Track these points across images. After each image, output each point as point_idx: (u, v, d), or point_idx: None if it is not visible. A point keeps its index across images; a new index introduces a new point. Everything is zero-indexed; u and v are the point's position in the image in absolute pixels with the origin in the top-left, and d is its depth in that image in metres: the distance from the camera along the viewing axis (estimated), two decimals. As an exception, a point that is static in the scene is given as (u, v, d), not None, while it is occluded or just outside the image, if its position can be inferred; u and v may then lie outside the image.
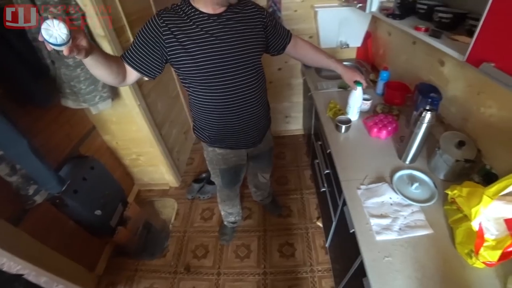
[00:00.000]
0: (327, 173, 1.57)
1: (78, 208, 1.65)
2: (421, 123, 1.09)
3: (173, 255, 1.98)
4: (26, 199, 1.37)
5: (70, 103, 1.63)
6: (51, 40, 0.65)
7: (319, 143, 1.76)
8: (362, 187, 1.14)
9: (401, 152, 1.24)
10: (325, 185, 1.65)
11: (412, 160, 1.23)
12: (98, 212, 1.77)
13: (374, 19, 2.03)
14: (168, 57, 1.05)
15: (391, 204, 1.07)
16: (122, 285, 1.85)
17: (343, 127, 1.43)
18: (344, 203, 1.17)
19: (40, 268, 1.44)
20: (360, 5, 1.57)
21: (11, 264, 1.29)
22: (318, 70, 2.24)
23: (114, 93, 1.75)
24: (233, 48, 1.06)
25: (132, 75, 1.07)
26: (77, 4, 1.45)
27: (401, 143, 1.28)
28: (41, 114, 1.59)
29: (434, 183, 1.11)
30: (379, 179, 1.17)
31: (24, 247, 1.37)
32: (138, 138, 2.09)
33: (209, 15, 1.02)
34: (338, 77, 2.17)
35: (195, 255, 1.96)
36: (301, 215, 2.12)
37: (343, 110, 1.60)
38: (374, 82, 1.83)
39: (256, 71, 1.17)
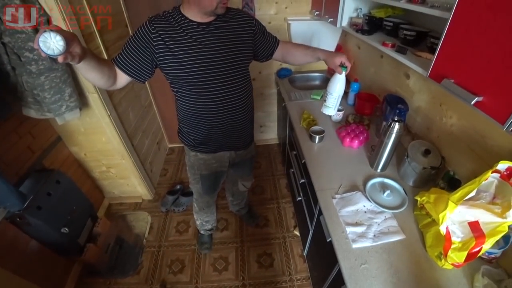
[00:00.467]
0: (302, 182, 1.59)
1: (42, 226, 1.53)
2: (390, 134, 1.15)
3: (147, 272, 1.89)
4: (-18, 219, 1.26)
5: (32, 113, 1.52)
6: (49, 52, 0.68)
7: (294, 152, 1.79)
8: (337, 196, 1.17)
9: (373, 161, 1.30)
10: (301, 194, 1.67)
11: (383, 168, 1.29)
12: (64, 230, 1.65)
13: (344, 33, 2.13)
14: (158, 63, 1.08)
15: (365, 212, 1.11)
16: (93, 307, 1.74)
17: (317, 137, 1.47)
18: (320, 212, 1.19)
19: None
20: (331, 19, 1.64)
21: None
22: (292, 80, 2.29)
23: (82, 102, 1.66)
24: (220, 56, 1.09)
25: (123, 78, 1.09)
26: (41, 7, 1.37)
27: (372, 152, 1.34)
28: (-1, 124, 1.47)
29: (404, 190, 1.17)
30: (353, 188, 1.21)
31: (-22, 272, 1.25)
32: (108, 149, 1.99)
33: (199, 24, 1.06)
34: (311, 87, 2.26)
35: (171, 270, 1.89)
36: (278, 224, 2.13)
37: (316, 120, 1.64)
38: (346, 93, 1.91)
39: (243, 78, 1.20)
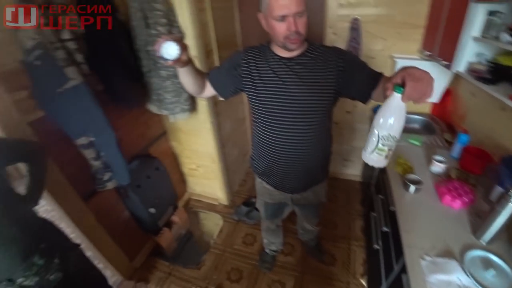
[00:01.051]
0: (385, 231, 1.45)
1: (136, 201, 1.80)
2: (507, 202, 0.96)
3: (207, 270, 1.99)
4: (99, 183, 1.54)
5: (154, 108, 1.83)
6: (165, 56, 0.83)
7: (380, 197, 1.66)
8: (427, 258, 1.03)
9: (477, 229, 1.10)
10: (380, 243, 1.53)
11: (490, 241, 1.08)
12: (152, 210, 1.90)
13: (456, 76, 1.91)
14: (242, 87, 1.16)
15: (459, 287, 0.94)
16: (153, 284, 1.92)
17: (413, 187, 1.33)
18: (403, 271, 1.06)
19: (91, 244, 1.60)
20: (446, 63, 1.50)
21: (71, 232, 1.46)
22: None
23: (193, 106, 1.92)
24: (295, 94, 1.06)
25: (210, 90, 1.20)
26: (179, 27, 1.67)
27: (478, 218, 1.15)
28: (126, 112, 1.80)
29: (514, 275, 0.96)
30: (447, 254, 1.05)
31: (85, 221, 1.55)
32: (202, 151, 2.23)
33: (281, 58, 1.08)
34: (410, 130, 2.08)
35: (229, 277, 1.94)
36: (345, 267, 1.97)
37: (413, 168, 1.50)
38: (450, 143, 1.70)
39: (315, 122, 1.12)
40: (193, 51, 1.75)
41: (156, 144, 2.15)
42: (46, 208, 1.35)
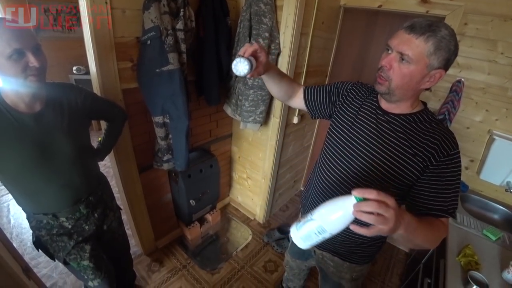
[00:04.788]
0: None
1: (182, 189, 1.88)
2: None
3: (219, 280, 1.96)
4: (158, 161, 1.65)
5: (229, 110, 1.91)
6: (237, 73, 0.80)
7: (428, 280, 1.42)
8: None
9: None
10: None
11: None
12: (192, 202, 1.96)
13: None
14: (332, 115, 1.08)
15: None
16: (166, 269, 1.96)
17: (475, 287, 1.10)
18: None
19: (129, 211, 1.72)
20: None
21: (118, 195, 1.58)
22: (465, 200, 1.86)
23: (265, 121, 1.94)
24: (361, 150, 0.91)
25: (299, 102, 1.16)
26: (279, 43, 1.71)
27: None
28: (204, 106, 1.90)
29: None
30: None
31: (132, 189, 1.68)
32: (258, 164, 2.24)
33: (378, 107, 0.93)
34: (488, 219, 1.76)
35: (238, 296, 1.88)
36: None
37: (480, 265, 1.25)
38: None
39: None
40: (284, 70, 1.77)
41: (218, 143, 2.23)
42: (107, 165, 1.50)
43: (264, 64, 0.86)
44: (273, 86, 1.06)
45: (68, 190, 1.08)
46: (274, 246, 2.26)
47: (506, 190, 1.77)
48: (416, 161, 0.82)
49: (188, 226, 2.11)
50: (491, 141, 1.78)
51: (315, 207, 0.90)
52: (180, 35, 1.39)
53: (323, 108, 1.11)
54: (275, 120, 1.95)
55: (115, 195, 1.42)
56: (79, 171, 1.10)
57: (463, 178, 1.97)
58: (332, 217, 0.63)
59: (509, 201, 1.86)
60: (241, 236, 2.36)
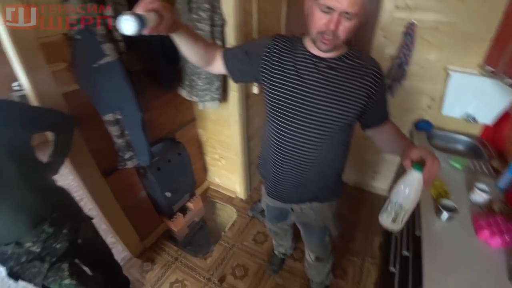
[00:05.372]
0: (405, 255, 1.33)
1: (154, 183, 1.82)
2: None
3: (213, 262, 1.98)
4: (121, 161, 1.57)
5: (184, 93, 1.82)
6: (122, 32, 0.66)
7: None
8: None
9: (515, 280, 0.95)
10: (397, 267, 1.40)
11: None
12: (168, 194, 1.91)
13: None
14: (258, 76, 1.03)
15: None
16: (159, 265, 1.95)
17: (446, 214, 1.19)
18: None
19: (105, 218, 1.65)
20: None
21: (86, 204, 1.51)
22: (431, 137, 1.97)
23: (223, 96, 1.88)
24: (314, 98, 0.93)
25: (219, 67, 1.07)
26: (222, 14, 1.62)
27: (520, 268, 0.99)
28: (159, 95, 1.81)
29: None
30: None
31: (102, 196, 1.59)
32: (227, 142, 2.20)
33: (313, 56, 0.94)
34: (453, 151, 1.88)
35: (233, 273, 1.91)
36: (355, 284, 1.85)
37: (449, 194, 1.35)
38: (497, 172, 1.50)
39: (327, 136, 0.98)
40: (232, 40, 1.69)
41: (183, 129, 2.15)
42: (66, 178, 1.40)
43: (169, 22, 0.74)
44: (186, 50, 0.94)
45: (24, 213, 1.00)
46: (259, 218, 2.30)
47: (467, 121, 1.89)
48: (363, 92, 0.93)
49: (171, 219, 2.08)
50: (447, 77, 1.86)
51: (282, 176, 1.09)
52: (112, 22, 1.26)
53: (244, 70, 1.05)
54: (234, 93, 1.89)
55: (84, 205, 1.34)
56: (31, 190, 1.01)
57: (426, 117, 2.08)
58: (412, 196, 0.77)
59: (470, 131, 2.00)
60: (227, 216, 2.37)
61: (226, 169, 2.43)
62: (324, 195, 1.21)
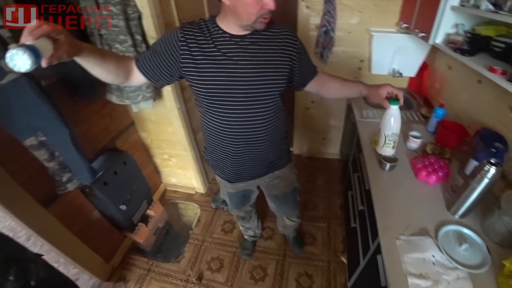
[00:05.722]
0: (361, 210, 1.45)
1: (105, 200, 1.69)
2: (482, 178, 0.95)
3: (187, 262, 1.94)
4: (59, 185, 1.42)
5: (114, 98, 1.68)
6: (15, 69, 0.56)
7: (357, 174, 1.64)
8: (402, 237, 1.02)
9: (451, 204, 1.10)
10: (357, 221, 1.53)
11: (463, 215, 1.08)
12: (123, 207, 1.79)
13: (433, 49, 1.89)
14: (182, 73, 0.98)
15: (434, 264, 0.94)
16: (133, 282, 1.85)
17: (388, 165, 1.31)
18: (378, 251, 1.05)
19: (60, 251, 1.49)
20: (423, 35, 1.45)
21: (36, 242, 1.35)
22: (365, 97, 2.13)
23: (156, 94, 1.78)
24: (249, 75, 0.95)
25: (139, 78, 1.00)
26: (135, 5, 1.50)
27: (452, 193, 1.14)
28: (86, 105, 1.65)
29: (487, 247, 0.96)
30: (422, 232, 1.04)
31: (49, 229, 1.43)
32: (173, 140, 2.11)
33: (231, 36, 0.94)
34: None
35: (210, 267, 1.91)
36: (325, 246, 1.99)
37: None
38: (426, 118, 1.69)
39: (272, 106, 1.04)
40: (152, 33, 1.59)
41: (123, 136, 2.01)
42: (3, 220, 1.23)
43: (67, 45, 0.64)
44: (98, 71, 0.84)
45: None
46: (223, 208, 2.30)
47: (394, 76, 2.06)
48: (285, 56, 1.01)
49: (134, 231, 1.97)
50: (370, 38, 2.00)
51: (240, 158, 1.14)
52: (4, 33, 1.09)
53: (165, 72, 0.98)
54: (167, 89, 1.80)
55: (33, 243, 1.20)
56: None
57: (360, 78, 2.22)
58: (398, 123, 1.08)
59: (398, 84, 2.19)
60: (191, 213, 2.33)
61: (179, 167, 2.35)
62: (281, 160, 1.29)
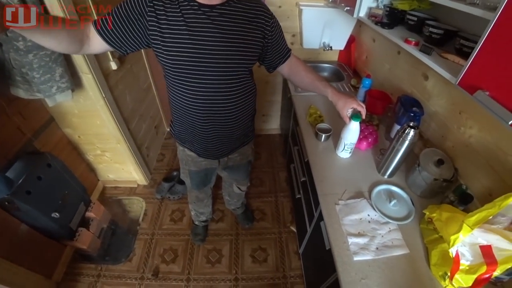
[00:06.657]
0: (303, 180, 1.52)
1: (31, 211, 1.48)
2: (404, 140, 1.07)
3: (140, 259, 1.86)
4: (-34, 204, 1.20)
5: (21, 93, 1.43)
6: None
7: (296, 148, 1.72)
8: (341, 202, 1.11)
9: (381, 166, 1.23)
10: (301, 192, 1.61)
11: (391, 175, 1.21)
12: (55, 214, 1.60)
13: (359, 23, 2.00)
14: (147, 40, 0.92)
15: (369, 222, 1.05)
16: (83, 292, 1.72)
17: (323, 136, 1.38)
18: (321, 218, 1.13)
19: None
20: (348, 8, 1.51)
21: None
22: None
23: (75, 83, 1.56)
24: (217, 49, 0.91)
25: (98, 45, 0.91)
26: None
27: (381, 156, 1.26)
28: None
29: (411, 200, 1.10)
30: (358, 195, 1.14)
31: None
32: (103, 133, 1.91)
33: (200, 5, 0.88)
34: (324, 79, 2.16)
35: (164, 260, 1.86)
36: (275, 219, 2.08)
37: (323, 117, 1.55)
38: (356, 88, 1.81)
39: (238, 82, 1.02)
40: (58, 11, 1.32)
41: (43, 136, 1.74)
42: None
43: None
44: (46, 41, 0.76)
45: None
46: (169, 197, 2.23)
47: (324, 49, 2.12)
48: (257, 33, 0.98)
49: (74, 238, 1.78)
50: (300, 12, 2.00)
51: (209, 134, 1.12)
52: None
53: (131, 39, 0.91)
54: (87, 76, 1.57)
55: None
56: None
57: (293, 53, 2.24)
58: (356, 135, 1.20)
59: (329, 58, 2.28)
60: (136, 208, 2.21)
61: (115, 162, 2.16)
62: (248, 137, 1.33)
